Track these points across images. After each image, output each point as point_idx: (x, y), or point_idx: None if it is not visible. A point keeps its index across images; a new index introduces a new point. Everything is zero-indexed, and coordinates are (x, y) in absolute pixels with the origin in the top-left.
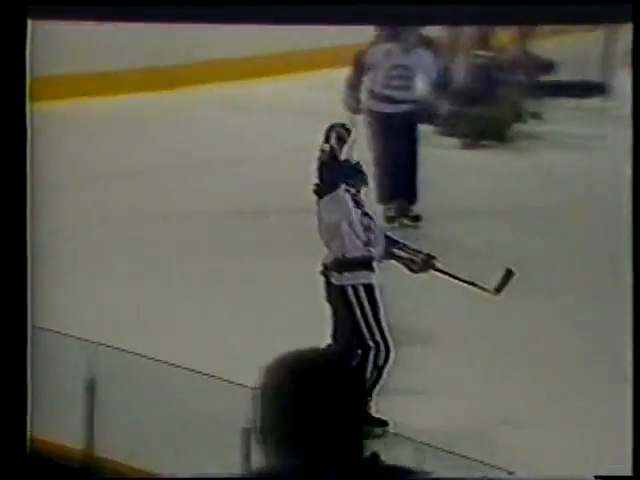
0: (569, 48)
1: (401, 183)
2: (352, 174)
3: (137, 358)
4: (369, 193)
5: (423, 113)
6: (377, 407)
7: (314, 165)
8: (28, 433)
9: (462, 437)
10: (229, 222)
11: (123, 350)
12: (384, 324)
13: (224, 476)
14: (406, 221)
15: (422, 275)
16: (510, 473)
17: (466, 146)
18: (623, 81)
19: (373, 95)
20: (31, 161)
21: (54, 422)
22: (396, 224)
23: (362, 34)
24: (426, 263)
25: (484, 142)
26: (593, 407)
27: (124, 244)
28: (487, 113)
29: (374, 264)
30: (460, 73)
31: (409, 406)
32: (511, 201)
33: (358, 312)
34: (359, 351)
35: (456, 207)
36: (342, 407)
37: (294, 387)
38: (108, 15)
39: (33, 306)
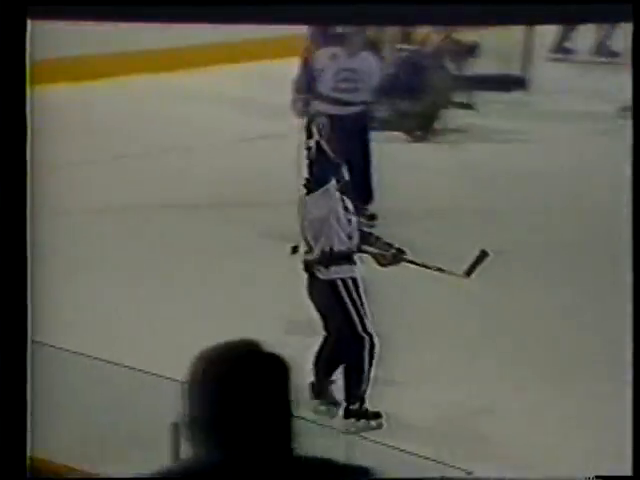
0: (490, 42)
1: (355, 184)
2: (337, 168)
3: (71, 355)
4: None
5: (372, 114)
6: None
7: (254, 157)
8: (28, 450)
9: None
10: (161, 215)
11: (59, 348)
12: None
13: (154, 474)
14: (362, 220)
15: (394, 267)
16: (469, 473)
17: (403, 140)
18: (542, 75)
19: (322, 98)
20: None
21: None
22: None
23: (298, 26)
24: (396, 257)
25: (417, 136)
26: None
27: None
28: (416, 107)
29: (355, 257)
30: (389, 69)
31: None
32: (445, 199)
33: (350, 305)
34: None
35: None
36: (270, 399)
37: (219, 380)
38: (108, 15)
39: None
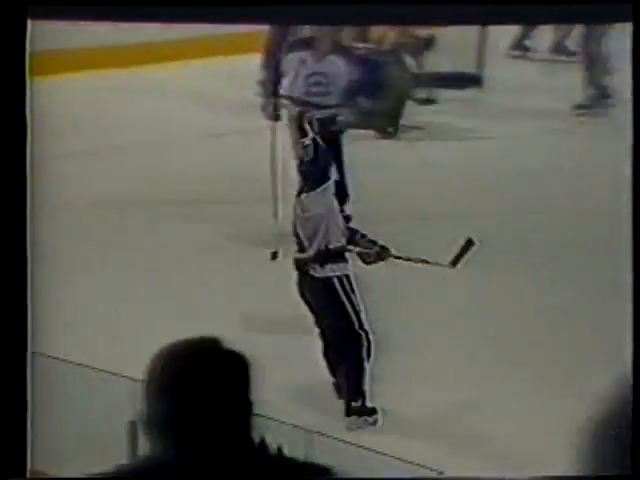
0: (446, 40)
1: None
2: (332, 165)
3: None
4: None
5: (342, 115)
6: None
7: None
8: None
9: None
10: (127, 212)
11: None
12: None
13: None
14: None
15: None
16: (440, 473)
17: (372, 138)
18: (499, 73)
19: (293, 101)
20: None
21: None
22: None
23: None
24: (380, 255)
25: (387, 133)
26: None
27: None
28: (381, 104)
29: (347, 255)
30: (355, 70)
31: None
32: (413, 197)
33: (347, 302)
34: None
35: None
36: (229, 397)
37: (178, 377)
38: (108, 15)
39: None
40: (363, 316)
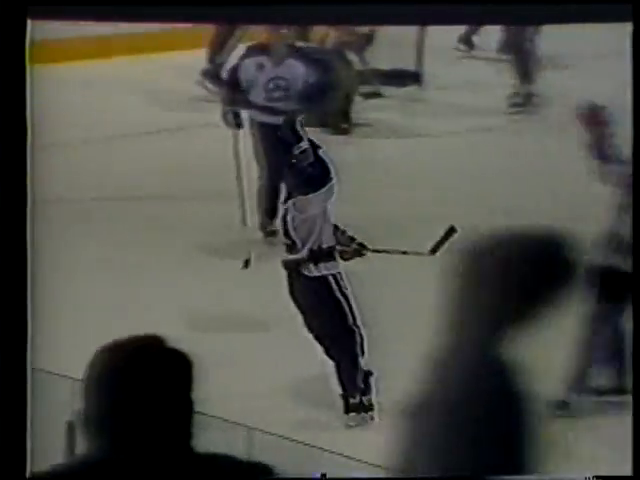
0: (386, 37)
1: None
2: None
3: None
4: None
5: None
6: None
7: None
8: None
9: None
10: (77, 208)
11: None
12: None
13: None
14: None
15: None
16: (377, 466)
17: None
18: (440, 71)
19: (255, 107)
20: None
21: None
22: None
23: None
24: (357, 252)
25: (342, 129)
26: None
27: None
28: (333, 103)
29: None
30: (306, 70)
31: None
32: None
33: (342, 299)
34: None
35: None
36: (170, 395)
37: (118, 375)
38: (108, 15)
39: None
40: (357, 312)
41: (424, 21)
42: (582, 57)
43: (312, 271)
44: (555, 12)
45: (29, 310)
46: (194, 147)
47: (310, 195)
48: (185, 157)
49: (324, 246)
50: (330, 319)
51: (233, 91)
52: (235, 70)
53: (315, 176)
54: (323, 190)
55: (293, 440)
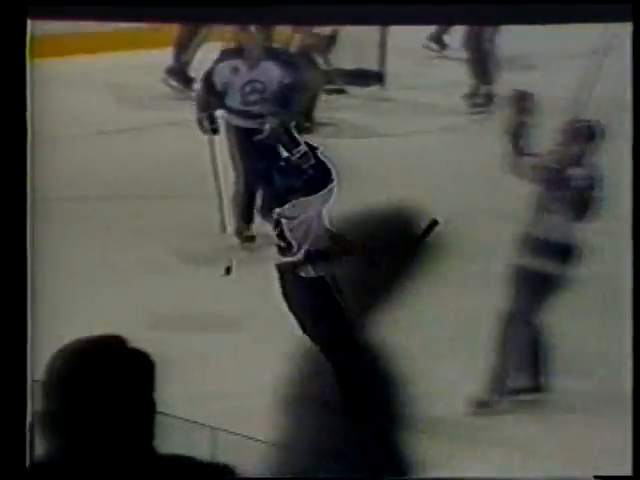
0: (348, 37)
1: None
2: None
3: None
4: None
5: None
6: None
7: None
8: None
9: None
10: (43, 207)
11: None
12: None
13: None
14: None
15: None
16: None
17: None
18: (402, 70)
19: (231, 111)
20: None
21: None
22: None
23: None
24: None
25: (306, 128)
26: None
27: None
28: (300, 103)
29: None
30: (280, 72)
31: None
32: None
33: (340, 298)
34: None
35: None
36: (131, 396)
37: (78, 375)
38: (108, 15)
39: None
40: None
41: (385, 21)
42: (549, 57)
43: (309, 272)
44: (554, 12)
45: (29, 310)
46: (163, 146)
47: (311, 196)
48: (155, 156)
49: (320, 247)
50: (328, 318)
51: (208, 96)
52: (210, 74)
53: (316, 178)
54: (324, 191)
55: (257, 440)
